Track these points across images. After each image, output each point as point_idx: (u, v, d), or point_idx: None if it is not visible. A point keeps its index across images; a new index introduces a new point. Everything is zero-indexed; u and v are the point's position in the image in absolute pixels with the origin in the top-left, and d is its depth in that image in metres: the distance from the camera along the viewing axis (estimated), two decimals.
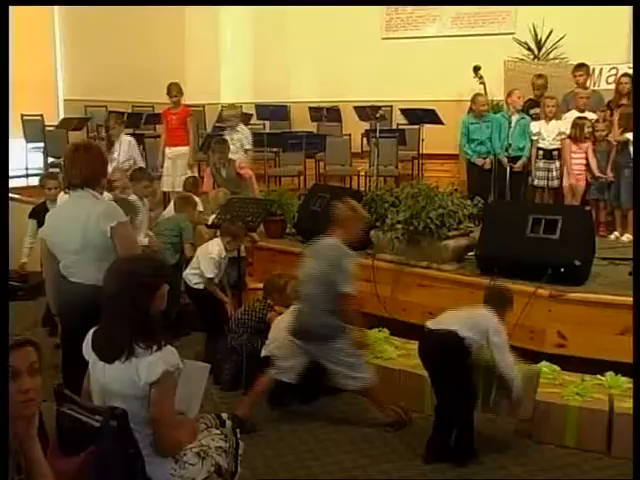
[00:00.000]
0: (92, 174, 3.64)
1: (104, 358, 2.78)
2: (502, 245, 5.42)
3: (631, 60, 9.07)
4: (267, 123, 11.90)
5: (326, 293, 4.31)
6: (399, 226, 5.76)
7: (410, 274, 5.76)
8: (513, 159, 7.78)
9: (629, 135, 7.03)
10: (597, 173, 7.35)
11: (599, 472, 4.09)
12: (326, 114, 11.23)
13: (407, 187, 6.23)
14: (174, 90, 8.50)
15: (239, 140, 8.13)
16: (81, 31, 11.45)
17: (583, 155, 7.44)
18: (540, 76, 8.37)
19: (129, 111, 11.08)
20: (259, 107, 11.81)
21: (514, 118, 7.86)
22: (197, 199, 6.84)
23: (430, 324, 4.22)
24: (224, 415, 3.20)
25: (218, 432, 3.08)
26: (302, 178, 10.15)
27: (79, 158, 3.63)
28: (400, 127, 10.29)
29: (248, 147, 8.23)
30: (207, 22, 12.39)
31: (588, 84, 8.40)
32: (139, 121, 10.81)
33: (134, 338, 2.73)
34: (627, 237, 7.01)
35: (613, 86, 8.26)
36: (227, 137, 8.05)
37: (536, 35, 10.15)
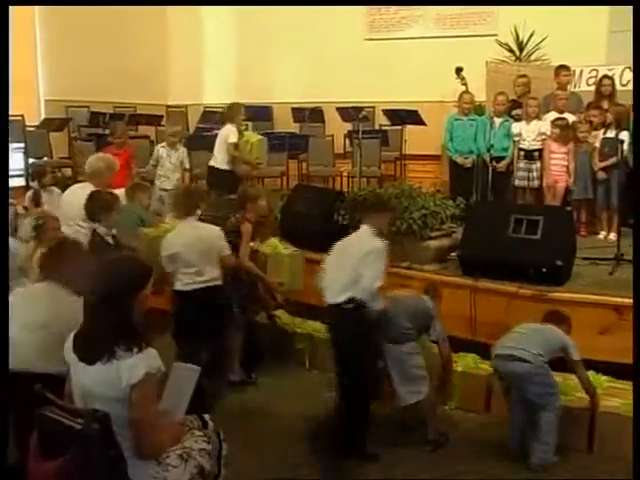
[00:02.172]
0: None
1: (85, 360, 2.76)
2: (484, 245, 5.45)
3: (610, 62, 9.23)
4: (250, 124, 11.89)
5: None
6: None
7: (393, 274, 5.73)
8: (496, 159, 7.82)
9: (623, 135, 7.11)
10: (570, 179, 7.43)
11: (582, 471, 4.12)
12: (309, 115, 11.23)
13: (390, 188, 6.25)
14: (119, 130, 8.28)
15: (178, 159, 8.14)
16: (62, 31, 11.36)
17: (562, 156, 7.53)
18: (522, 76, 8.46)
19: (111, 112, 11.02)
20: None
21: (497, 120, 7.93)
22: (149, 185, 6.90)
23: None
24: (207, 416, 3.19)
25: (201, 434, 3.06)
26: (285, 179, 10.14)
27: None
28: (383, 128, 10.31)
29: (187, 166, 8.26)
30: (190, 23, 12.37)
31: (570, 85, 8.48)
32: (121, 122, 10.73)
33: (115, 340, 2.71)
34: (613, 236, 7.08)
35: (593, 88, 8.35)
36: (164, 155, 8.09)
37: (518, 37, 10.21)
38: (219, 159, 8.01)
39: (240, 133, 8.04)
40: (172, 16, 12.13)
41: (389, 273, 5.72)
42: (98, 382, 2.71)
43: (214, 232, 4.98)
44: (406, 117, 9.67)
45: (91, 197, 5.03)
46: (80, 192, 5.45)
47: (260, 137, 8.58)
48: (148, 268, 2.99)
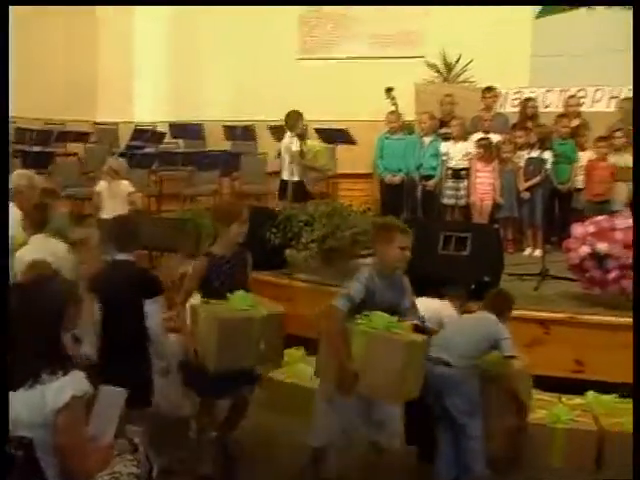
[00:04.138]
0: None
1: (10, 386, 2.67)
2: (414, 262, 5.49)
3: (533, 84, 9.56)
4: (181, 142, 11.81)
5: None
6: (313, 245, 5.80)
7: (325, 293, 5.77)
8: (425, 178, 7.98)
9: (546, 155, 7.37)
10: (498, 196, 7.63)
11: None
12: (241, 133, 11.22)
13: (321, 206, 6.28)
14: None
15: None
16: None
17: (488, 174, 7.75)
18: (447, 96, 8.67)
19: (39, 128, 10.77)
20: (173, 126, 11.70)
21: (427, 139, 8.10)
22: None
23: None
24: (136, 440, 3.13)
25: (131, 458, 3.00)
26: (217, 197, 10.09)
27: None
28: None
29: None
30: (120, 40, 12.22)
31: (495, 106, 8.72)
32: (49, 139, 10.51)
33: (39, 363, 2.64)
34: (539, 252, 7.28)
35: (517, 109, 8.61)
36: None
37: (445, 59, 10.46)
38: (288, 171, 7.96)
39: (303, 141, 7.98)
40: (102, 33, 11.96)
41: (322, 292, 5.79)
42: (24, 408, 2.63)
43: None
44: (337, 136, 9.76)
45: None
46: None
47: (324, 145, 8.53)
48: (73, 286, 2.92)
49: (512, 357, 3.87)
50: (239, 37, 11.53)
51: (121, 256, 4.15)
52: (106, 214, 7.81)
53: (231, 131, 11.28)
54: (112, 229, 4.41)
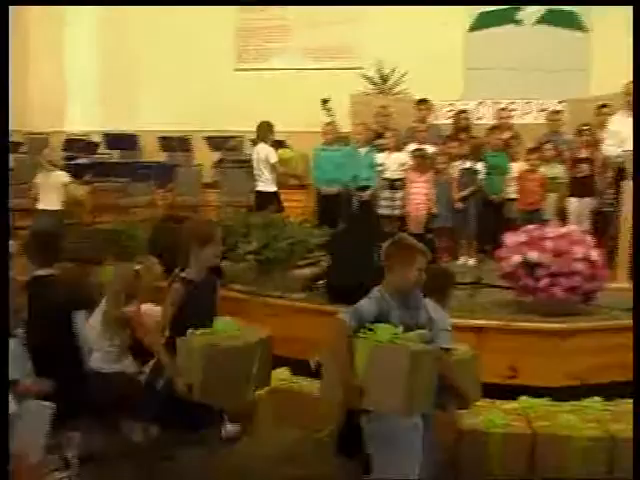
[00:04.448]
0: None
1: None
2: (351, 273, 5.54)
3: (466, 97, 9.78)
4: (115, 152, 11.62)
5: None
6: (250, 256, 5.77)
7: (261, 304, 5.76)
8: (361, 189, 8.04)
9: (479, 166, 7.52)
10: (432, 206, 7.77)
11: None
12: (177, 144, 11.12)
13: (258, 217, 6.27)
14: None
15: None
16: None
17: (422, 185, 7.86)
18: (381, 108, 8.77)
19: None
20: (107, 136, 11.52)
21: (362, 150, 8.16)
22: None
23: None
24: (69, 455, 3.06)
25: (65, 475, 2.94)
26: (152, 209, 9.95)
27: None
28: (250, 157, 10.34)
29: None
30: (52, 47, 11.98)
31: (429, 118, 8.87)
32: None
33: None
34: (473, 261, 7.40)
35: (451, 121, 8.78)
36: None
37: (381, 71, 10.58)
38: (265, 182, 7.90)
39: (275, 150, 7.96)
40: (34, 40, 11.70)
41: (258, 303, 5.77)
42: None
43: None
44: (274, 146, 9.76)
45: None
46: None
47: (294, 152, 8.48)
48: None
49: (448, 349, 3.76)
50: (175, 47, 11.44)
51: (41, 272, 3.98)
52: (42, 205, 7.72)
53: (166, 142, 11.17)
54: (29, 245, 4.20)
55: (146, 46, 11.66)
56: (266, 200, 7.74)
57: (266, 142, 8.03)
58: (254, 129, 8.47)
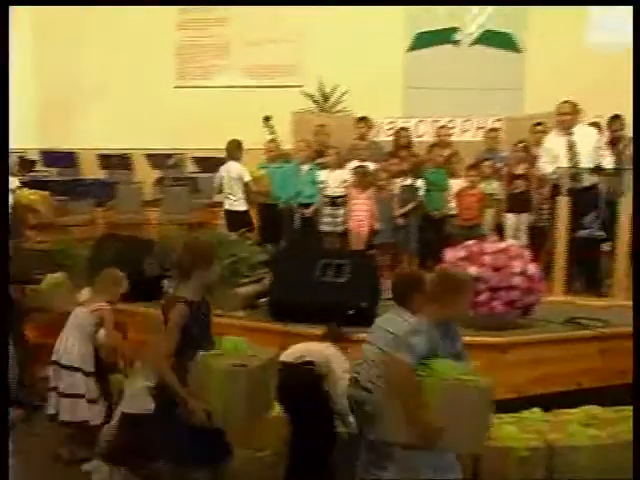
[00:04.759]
0: None
1: None
2: (293, 290, 5.55)
3: (406, 115, 9.92)
4: (54, 170, 11.41)
5: None
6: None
7: None
8: (303, 206, 8.07)
9: (419, 182, 7.61)
10: (375, 222, 7.83)
11: None
12: (117, 161, 10.98)
13: (200, 235, 6.21)
14: None
15: None
16: None
17: (363, 202, 7.92)
18: (321, 126, 8.83)
19: None
20: (45, 153, 11.30)
21: (304, 167, 8.20)
22: None
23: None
24: None
25: None
26: (92, 227, 9.78)
27: None
28: (192, 175, 10.30)
29: None
30: None
31: (370, 136, 8.97)
32: None
33: None
34: None
35: (392, 138, 8.90)
36: None
37: (322, 89, 10.67)
38: (237, 201, 7.84)
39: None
40: None
41: None
42: None
43: None
44: (216, 164, 9.72)
45: None
46: None
47: (262, 169, 8.37)
48: None
49: None
50: (115, 64, 11.33)
51: None
52: None
53: (106, 159, 11.01)
54: None
55: (86, 63, 11.52)
56: (238, 219, 7.74)
57: (236, 160, 8.03)
58: (195, 147, 8.47)
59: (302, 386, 4.02)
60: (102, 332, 4.75)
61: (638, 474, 3.22)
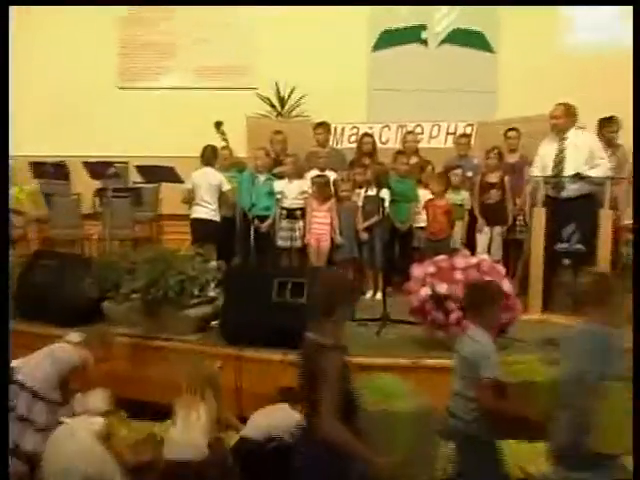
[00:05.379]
0: None
1: None
2: (247, 312, 5.54)
3: (371, 120, 10.00)
4: None
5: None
6: (135, 295, 5.68)
7: (149, 348, 5.67)
8: (259, 219, 8.05)
9: (383, 193, 7.57)
10: (337, 236, 7.86)
11: None
12: (52, 170, 10.82)
13: (144, 251, 6.19)
14: None
15: None
16: None
17: (324, 214, 7.95)
18: (278, 132, 8.86)
19: None
20: None
21: (261, 177, 8.19)
22: None
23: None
24: None
25: None
26: (24, 243, 9.65)
27: None
28: (136, 186, 10.20)
29: None
30: None
31: (330, 143, 9.01)
32: None
33: None
34: (380, 295, 7.48)
35: (355, 145, 8.95)
36: None
37: (279, 92, 10.70)
38: (213, 211, 7.87)
39: None
40: None
41: (146, 347, 5.67)
42: None
43: None
44: (162, 174, 9.65)
45: None
46: None
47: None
48: None
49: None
50: (51, 59, 11.20)
51: None
52: None
53: (39, 168, 10.84)
54: None
55: (20, 61, 11.37)
56: (206, 230, 7.78)
57: (212, 167, 8.12)
58: (140, 154, 8.37)
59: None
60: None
61: (638, 475, 3.34)
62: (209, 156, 8.19)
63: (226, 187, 8.04)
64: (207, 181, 8.01)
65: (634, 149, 7.06)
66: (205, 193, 7.96)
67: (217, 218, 8.01)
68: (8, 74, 4.59)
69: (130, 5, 11.32)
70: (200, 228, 7.93)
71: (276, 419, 4.46)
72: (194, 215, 8.01)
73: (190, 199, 8.06)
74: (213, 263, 6.62)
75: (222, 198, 8.05)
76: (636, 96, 6.53)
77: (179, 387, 4.53)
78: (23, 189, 8.22)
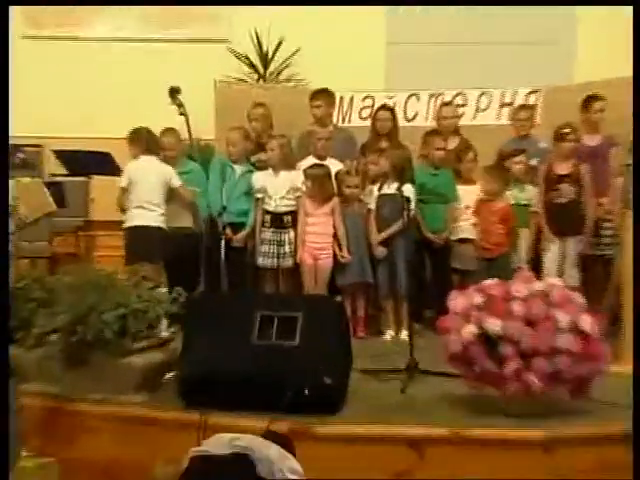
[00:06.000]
0: None
1: None
2: (215, 360, 5.52)
3: (390, 86, 10.01)
4: None
5: None
6: (55, 337, 5.67)
7: (75, 413, 5.65)
8: (232, 227, 8.03)
9: (407, 190, 7.50)
10: (342, 251, 7.85)
11: None
12: None
13: (67, 274, 6.18)
14: None
15: None
16: None
17: (324, 220, 7.90)
18: (260, 105, 8.81)
19: None
20: None
21: (237, 169, 8.16)
22: None
23: None
24: None
25: None
26: None
27: None
28: (55, 179, 10.19)
29: None
30: None
31: (334, 119, 9.00)
32: None
33: None
34: (405, 335, 7.46)
35: (368, 122, 8.93)
36: None
37: (260, 46, 10.71)
38: (160, 213, 7.97)
39: None
40: None
41: (70, 412, 5.65)
42: None
43: None
44: (92, 163, 9.64)
45: None
46: None
47: None
48: None
49: None
50: None
51: None
52: None
53: None
54: None
55: None
56: (150, 242, 7.81)
57: (155, 155, 8.15)
58: (59, 135, 8.36)
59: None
60: None
61: (638, 474, 3.64)
62: (142, 141, 8.17)
63: (176, 182, 8.03)
64: (148, 175, 8.00)
65: (634, 149, 7.10)
66: (146, 192, 7.94)
67: (164, 225, 8.00)
68: (8, 74, 5.17)
69: None
70: (140, 240, 7.89)
71: (245, 438, 4.43)
72: (130, 223, 7.98)
73: (125, 202, 8.05)
74: (165, 291, 6.58)
75: (175, 199, 8.06)
76: (636, 96, 6.61)
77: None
78: None
